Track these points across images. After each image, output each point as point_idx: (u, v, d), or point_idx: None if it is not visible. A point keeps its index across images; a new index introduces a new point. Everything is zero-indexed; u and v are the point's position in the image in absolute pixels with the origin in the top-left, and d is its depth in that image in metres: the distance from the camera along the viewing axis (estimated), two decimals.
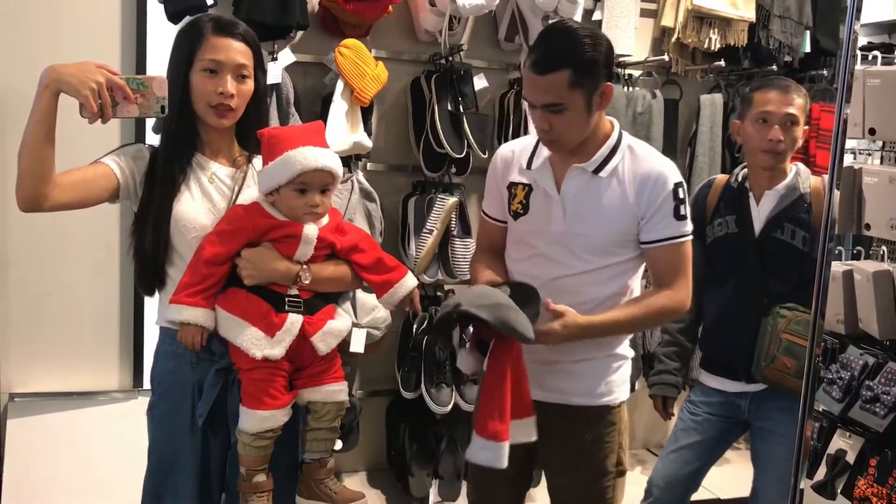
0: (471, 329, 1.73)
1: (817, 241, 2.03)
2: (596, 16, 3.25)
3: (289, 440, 1.78)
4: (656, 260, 1.83)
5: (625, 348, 1.92)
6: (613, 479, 1.92)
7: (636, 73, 3.40)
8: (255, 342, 1.65)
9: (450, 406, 2.89)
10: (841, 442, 2.51)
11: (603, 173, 1.80)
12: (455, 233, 2.98)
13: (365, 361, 3.07)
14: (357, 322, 2.52)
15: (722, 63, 3.33)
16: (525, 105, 2.94)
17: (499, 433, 1.63)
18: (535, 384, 1.75)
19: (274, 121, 2.65)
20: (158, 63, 2.63)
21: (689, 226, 1.82)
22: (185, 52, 1.70)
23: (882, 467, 2.33)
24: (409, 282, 1.81)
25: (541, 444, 1.91)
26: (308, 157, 1.65)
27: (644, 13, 3.36)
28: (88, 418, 2.85)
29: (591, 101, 1.73)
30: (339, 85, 2.74)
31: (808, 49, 3.48)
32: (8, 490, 2.53)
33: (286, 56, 2.75)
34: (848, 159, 2.77)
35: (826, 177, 2.01)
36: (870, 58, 2.46)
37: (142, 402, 1.87)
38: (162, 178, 1.70)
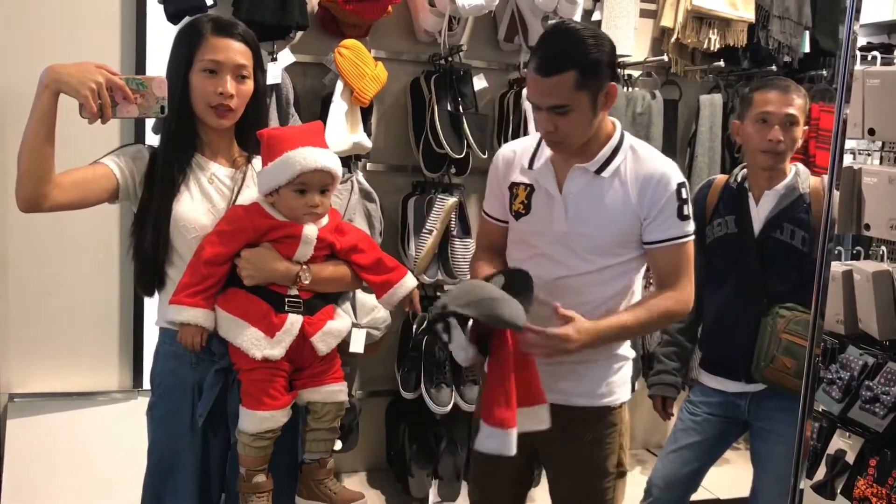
0: (470, 324, 1.73)
1: (817, 241, 2.03)
2: (595, 16, 3.25)
3: (288, 440, 1.78)
4: (659, 260, 1.83)
5: (626, 349, 1.92)
6: (614, 479, 1.92)
7: (635, 73, 3.40)
8: (255, 342, 1.65)
9: (449, 406, 2.89)
10: (840, 442, 2.52)
11: (605, 173, 1.80)
12: (455, 233, 2.98)
13: (365, 362, 3.07)
14: (357, 322, 2.52)
15: (721, 63, 3.33)
16: (525, 106, 2.96)
17: (505, 420, 1.63)
18: None
19: (273, 121, 2.65)
20: (158, 63, 2.63)
21: (691, 226, 1.83)
22: (184, 53, 1.70)
23: (881, 467, 2.33)
24: (409, 282, 1.81)
25: (541, 444, 1.92)
26: (307, 157, 1.65)
27: (643, 13, 3.36)
28: (88, 419, 2.85)
29: (597, 101, 1.73)
30: (339, 85, 2.74)
31: (807, 49, 3.48)
32: (8, 490, 2.53)
33: (286, 56, 2.75)
34: (847, 159, 2.78)
35: (825, 177, 2.01)
36: (869, 58, 2.46)
37: (141, 403, 1.86)
38: (161, 179, 1.70)
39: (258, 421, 1.67)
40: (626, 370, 1.93)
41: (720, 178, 2.43)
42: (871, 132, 2.34)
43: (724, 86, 3.46)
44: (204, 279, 1.66)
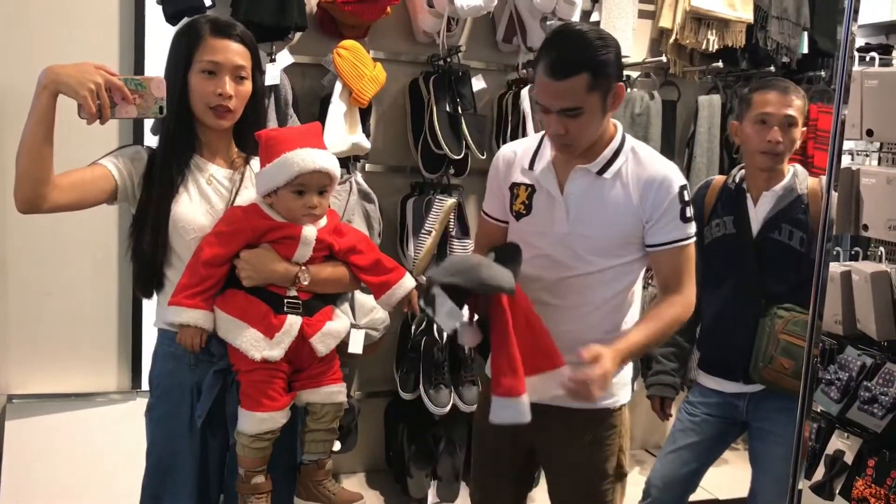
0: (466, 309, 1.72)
1: (815, 241, 2.03)
2: (594, 17, 3.25)
3: (287, 441, 1.78)
4: (662, 263, 1.83)
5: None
6: (614, 482, 1.92)
7: (634, 74, 3.40)
8: (254, 343, 1.65)
9: (448, 407, 2.89)
10: (839, 442, 2.52)
11: (607, 175, 1.80)
12: (453, 234, 2.98)
13: (363, 362, 3.07)
14: (355, 323, 2.52)
15: (720, 64, 3.33)
16: (524, 107, 2.97)
17: (514, 388, 1.61)
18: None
19: (272, 122, 2.65)
20: (157, 64, 2.63)
21: (693, 227, 1.83)
22: (183, 54, 1.70)
23: (880, 468, 2.34)
24: (408, 283, 1.81)
25: (541, 445, 1.92)
26: (306, 158, 1.66)
27: (642, 14, 3.36)
28: (87, 420, 2.85)
29: (606, 102, 1.73)
30: (338, 86, 2.74)
31: (805, 50, 3.49)
32: (7, 491, 2.52)
33: (284, 57, 2.75)
34: (846, 160, 2.79)
35: (824, 178, 2.01)
36: (867, 59, 2.47)
37: (140, 404, 1.87)
38: (160, 180, 1.70)
39: (257, 422, 1.67)
40: (626, 372, 1.93)
41: (718, 178, 2.43)
42: (870, 133, 2.34)
43: (722, 86, 3.46)
44: (203, 280, 1.66)
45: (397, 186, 3.10)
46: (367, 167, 3.03)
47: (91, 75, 1.48)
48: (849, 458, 2.45)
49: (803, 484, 2.08)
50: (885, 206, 2.29)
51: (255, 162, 1.78)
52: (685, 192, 1.80)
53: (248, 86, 1.73)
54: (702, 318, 2.38)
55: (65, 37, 2.83)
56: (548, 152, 1.85)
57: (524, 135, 2.91)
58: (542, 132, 1.90)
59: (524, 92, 2.99)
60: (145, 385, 1.89)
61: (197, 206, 1.72)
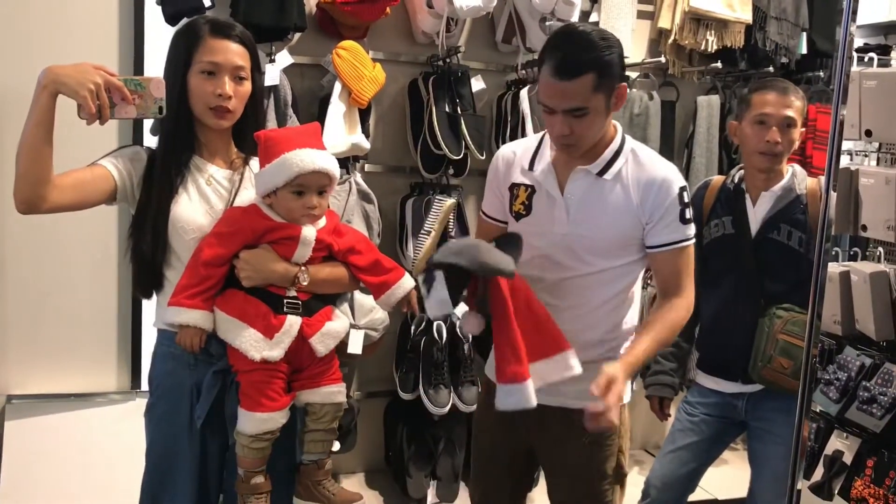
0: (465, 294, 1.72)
1: (814, 242, 2.03)
2: (593, 17, 3.25)
3: (287, 441, 1.78)
4: (662, 264, 1.83)
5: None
6: (613, 482, 1.92)
7: (633, 74, 3.40)
8: (254, 344, 1.65)
9: (448, 407, 2.89)
10: (838, 443, 2.52)
11: (607, 176, 1.80)
12: (453, 234, 2.98)
13: (363, 363, 3.07)
14: (355, 323, 2.52)
15: (718, 65, 3.33)
16: (523, 107, 2.97)
17: (518, 374, 1.61)
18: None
19: (271, 122, 2.65)
20: (156, 64, 2.62)
21: (692, 228, 1.83)
22: (182, 54, 1.70)
23: (879, 468, 2.34)
24: (407, 283, 1.82)
25: (541, 445, 1.92)
26: (305, 159, 1.66)
27: (641, 15, 3.37)
28: (86, 420, 2.85)
29: (610, 103, 1.74)
30: (337, 87, 2.74)
31: (804, 51, 3.49)
32: (6, 491, 2.52)
33: (284, 58, 2.75)
34: (844, 161, 2.79)
35: (822, 178, 2.02)
36: (866, 59, 2.47)
37: (140, 404, 1.86)
38: (159, 180, 1.70)
39: (257, 422, 1.67)
40: None
41: (717, 179, 2.43)
42: (868, 133, 2.35)
43: (721, 87, 3.46)
44: (203, 280, 1.66)
45: (396, 187, 3.10)
46: (367, 167, 3.04)
47: (91, 75, 1.48)
48: (847, 459, 2.45)
49: (802, 484, 2.09)
50: (884, 207, 2.30)
51: (255, 162, 1.78)
52: (685, 194, 1.81)
53: (247, 86, 1.73)
54: (701, 318, 2.38)
55: (65, 37, 2.83)
56: (548, 153, 1.85)
57: (523, 135, 2.91)
58: (542, 133, 1.90)
59: (523, 92, 2.99)
60: (145, 385, 1.90)
61: (196, 207, 1.72)
